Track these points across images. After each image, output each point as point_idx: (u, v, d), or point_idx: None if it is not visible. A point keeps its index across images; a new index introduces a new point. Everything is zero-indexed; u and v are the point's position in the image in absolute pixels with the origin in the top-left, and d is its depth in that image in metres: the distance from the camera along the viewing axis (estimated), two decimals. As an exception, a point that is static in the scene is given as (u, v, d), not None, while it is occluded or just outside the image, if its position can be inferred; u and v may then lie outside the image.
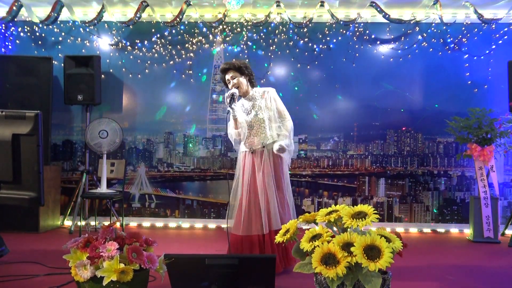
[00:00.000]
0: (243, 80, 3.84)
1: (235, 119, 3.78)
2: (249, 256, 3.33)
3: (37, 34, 6.12)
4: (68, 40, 6.11)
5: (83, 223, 5.62)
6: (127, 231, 2.92)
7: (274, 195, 3.74)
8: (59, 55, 6.00)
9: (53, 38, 6.13)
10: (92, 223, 5.72)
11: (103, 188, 5.28)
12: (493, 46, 5.95)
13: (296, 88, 6.08)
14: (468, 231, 5.61)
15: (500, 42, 5.94)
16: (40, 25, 6.01)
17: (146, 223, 6.08)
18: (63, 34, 6.11)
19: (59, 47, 6.11)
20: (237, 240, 3.73)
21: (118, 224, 5.35)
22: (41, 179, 2.81)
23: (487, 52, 5.95)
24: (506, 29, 5.92)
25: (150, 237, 2.92)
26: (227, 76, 3.84)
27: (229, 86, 3.85)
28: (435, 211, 6.00)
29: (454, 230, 5.93)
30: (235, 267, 2.68)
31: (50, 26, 6.03)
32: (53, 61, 5.86)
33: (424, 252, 4.79)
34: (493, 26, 5.89)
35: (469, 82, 6.00)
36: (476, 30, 5.94)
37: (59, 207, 5.82)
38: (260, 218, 3.69)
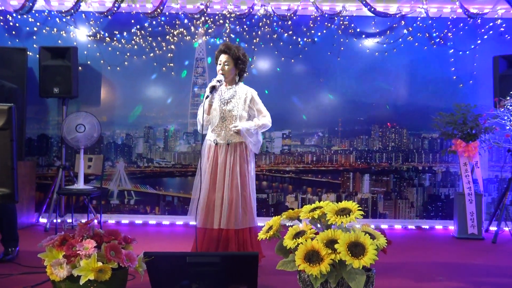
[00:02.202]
0: (232, 71, 3.87)
1: (210, 104, 3.83)
2: (231, 253, 3.36)
3: (11, 24, 5.90)
4: (44, 31, 5.92)
5: (59, 220, 5.48)
6: (105, 229, 2.90)
7: (235, 193, 3.73)
8: (34, 46, 5.80)
9: (27, 28, 5.92)
10: (69, 220, 5.58)
11: (80, 184, 5.20)
12: (479, 41, 5.93)
13: (279, 82, 5.98)
14: (452, 228, 5.60)
15: (486, 37, 5.93)
16: (14, 15, 5.80)
17: (125, 220, 5.96)
18: (38, 24, 5.91)
19: (34, 37, 5.91)
20: (199, 233, 3.79)
21: (95, 222, 5.30)
22: (15, 175, 2.82)
23: (473, 47, 5.93)
24: (491, 24, 5.90)
25: (129, 234, 2.92)
26: (221, 58, 3.86)
27: (217, 67, 3.87)
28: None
29: (438, 226, 5.91)
30: (216, 265, 2.68)
31: (25, 16, 5.82)
32: (28, 52, 5.70)
33: (409, 249, 4.78)
34: (479, 20, 5.87)
35: (454, 77, 5.98)
36: (461, 24, 5.92)
37: (34, 204, 5.69)
38: (219, 213, 3.72)
